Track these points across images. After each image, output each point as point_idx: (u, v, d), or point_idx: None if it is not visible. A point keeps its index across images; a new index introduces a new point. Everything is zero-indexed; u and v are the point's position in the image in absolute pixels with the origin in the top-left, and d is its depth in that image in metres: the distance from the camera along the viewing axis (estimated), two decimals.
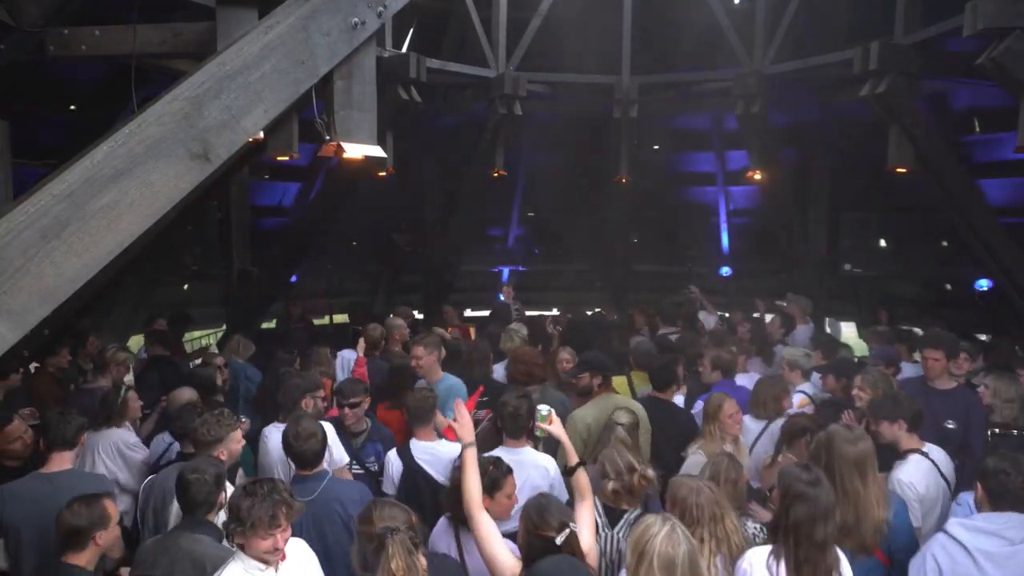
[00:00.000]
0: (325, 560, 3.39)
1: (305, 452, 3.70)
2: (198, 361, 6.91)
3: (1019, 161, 7.57)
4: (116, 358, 5.74)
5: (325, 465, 3.88)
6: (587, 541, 3.13)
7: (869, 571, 3.25)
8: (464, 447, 3.37)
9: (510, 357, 6.05)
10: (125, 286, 8.31)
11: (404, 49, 9.03)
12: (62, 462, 3.91)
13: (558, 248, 12.93)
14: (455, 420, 3.48)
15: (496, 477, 3.46)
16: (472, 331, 8.91)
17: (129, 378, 6.27)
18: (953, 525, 3.13)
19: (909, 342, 6.83)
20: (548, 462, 4.08)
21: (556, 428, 3.66)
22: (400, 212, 12.26)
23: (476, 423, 4.37)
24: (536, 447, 4.22)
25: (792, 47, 8.60)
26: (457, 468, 3.55)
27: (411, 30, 9.56)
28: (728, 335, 7.40)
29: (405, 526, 2.80)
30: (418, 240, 12.39)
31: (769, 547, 2.91)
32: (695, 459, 4.56)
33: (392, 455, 4.46)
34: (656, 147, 11.93)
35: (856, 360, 6.57)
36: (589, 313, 10.63)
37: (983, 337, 8.07)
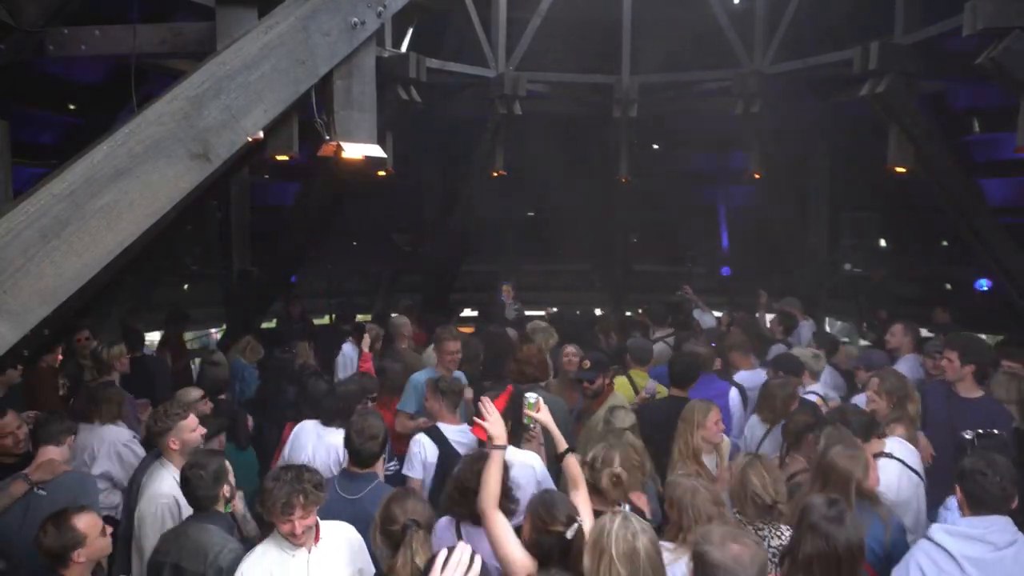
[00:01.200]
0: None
1: (364, 450, 3.72)
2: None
3: (1019, 161, 7.57)
4: (114, 354, 5.76)
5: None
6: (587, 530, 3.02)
7: None
8: (493, 448, 3.17)
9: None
10: (125, 286, 8.31)
11: (404, 49, 9.02)
12: (49, 456, 3.96)
13: (558, 248, 12.93)
14: (484, 419, 3.25)
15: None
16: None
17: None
18: (936, 531, 3.05)
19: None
20: (535, 460, 3.93)
21: (544, 416, 3.56)
22: (400, 212, 12.25)
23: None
24: (524, 429, 4.05)
25: (792, 47, 8.59)
26: (464, 466, 3.50)
27: (411, 30, 9.54)
28: (727, 333, 7.37)
29: (425, 520, 2.97)
30: (418, 240, 12.38)
31: None
32: None
33: (424, 438, 4.38)
34: (656, 147, 11.92)
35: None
36: (578, 313, 10.63)
37: (984, 336, 8.06)
